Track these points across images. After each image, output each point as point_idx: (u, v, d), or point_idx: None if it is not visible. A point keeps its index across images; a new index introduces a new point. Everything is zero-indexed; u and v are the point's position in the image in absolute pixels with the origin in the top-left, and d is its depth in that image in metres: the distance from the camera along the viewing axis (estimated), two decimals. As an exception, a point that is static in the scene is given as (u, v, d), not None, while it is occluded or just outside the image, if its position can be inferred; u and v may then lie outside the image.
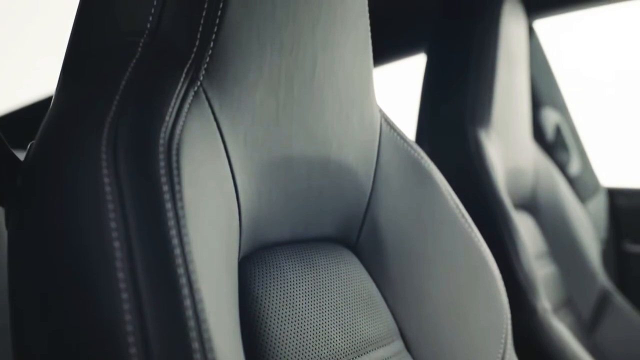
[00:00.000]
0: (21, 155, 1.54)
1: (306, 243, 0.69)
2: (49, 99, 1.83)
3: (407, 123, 1.54)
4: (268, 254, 0.63)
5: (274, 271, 0.62)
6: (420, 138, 1.41)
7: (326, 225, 0.71)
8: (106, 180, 0.44)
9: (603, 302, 1.63)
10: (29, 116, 1.89)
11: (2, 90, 2.02)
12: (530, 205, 1.59)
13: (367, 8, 0.73)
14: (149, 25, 0.54)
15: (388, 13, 1.72)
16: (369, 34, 0.74)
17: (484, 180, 1.27)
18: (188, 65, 0.54)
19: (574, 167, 1.88)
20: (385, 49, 1.85)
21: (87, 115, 0.48)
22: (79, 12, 0.57)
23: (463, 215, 0.82)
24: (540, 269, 1.46)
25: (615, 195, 1.93)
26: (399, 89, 2.10)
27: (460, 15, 1.48)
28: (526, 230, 1.48)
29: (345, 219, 0.73)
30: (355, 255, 0.75)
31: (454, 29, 1.48)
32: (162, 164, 0.46)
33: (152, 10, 0.55)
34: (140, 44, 0.54)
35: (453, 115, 1.37)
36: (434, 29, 1.53)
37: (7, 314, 0.49)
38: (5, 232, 0.54)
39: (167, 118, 0.48)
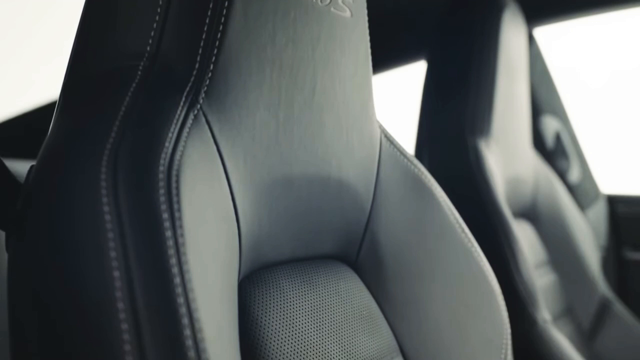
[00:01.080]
0: (21, 165, 1.54)
1: (306, 261, 0.69)
2: (49, 106, 1.84)
3: (408, 130, 1.54)
4: (268, 273, 0.63)
5: (273, 292, 0.62)
6: (420, 148, 1.41)
7: (326, 243, 0.71)
8: (106, 209, 0.44)
9: (603, 310, 1.63)
10: (29, 123, 1.89)
11: (3, 96, 2.02)
12: (530, 213, 1.59)
13: (367, 28, 0.73)
14: (148, 48, 0.55)
15: (389, 19, 1.73)
16: (369, 51, 0.74)
17: (484, 190, 1.27)
18: (188, 89, 0.54)
19: (574, 175, 1.88)
20: (386, 55, 1.85)
21: (87, 141, 0.48)
22: (79, 33, 0.57)
23: (463, 230, 0.82)
24: (540, 278, 1.46)
25: (615, 203, 1.93)
26: (399, 95, 2.10)
27: (461, 23, 1.48)
28: (526, 239, 1.48)
29: (345, 236, 0.73)
30: (355, 272, 0.75)
31: (455, 37, 1.49)
32: (161, 191, 0.46)
33: (152, 33, 0.55)
34: (140, 68, 0.54)
35: (453, 126, 1.37)
36: (434, 36, 1.53)
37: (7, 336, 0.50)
38: (5, 254, 0.54)
39: (166, 144, 0.48)
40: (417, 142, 1.44)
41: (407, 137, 1.51)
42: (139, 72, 0.53)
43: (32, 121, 1.87)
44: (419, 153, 1.41)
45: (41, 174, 0.50)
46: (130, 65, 0.54)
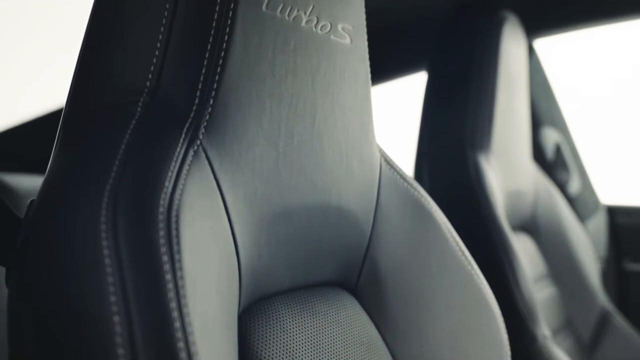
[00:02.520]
0: (20, 180, 1.53)
1: (306, 289, 0.69)
2: (50, 115, 1.84)
3: (408, 138, 1.54)
4: (268, 304, 0.63)
5: (273, 323, 0.62)
6: (420, 162, 1.41)
7: (326, 270, 0.71)
8: (106, 252, 0.44)
9: (603, 322, 1.63)
10: (30, 131, 1.89)
11: (2, 105, 2.02)
12: (530, 226, 1.59)
13: (367, 53, 0.73)
14: (148, 84, 0.55)
15: (390, 29, 1.73)
16: (369, 76, 0.74)
17: (484, 206, 1.27)
18: (188, 124, 0.54)
19: (574, 186, 1.88)
20: (387, 66, 1.86)
21: (87, 181, 0.48)
22: (78, 67, 0.57)
23: (463, 253, 0.82)
24: (540, 292, 1.46)
25: (615, 214, 1.93)
26: (400, 105, 2.10)
27: (461, 36, 1.48)
28: (526, 253, 1.48)
29: (345, 262, 0.73)
30: (355, 298, 0.75)
31: (455, 49, 1.49)
32: (161, 233, 0.46)
33: (152, 68, 0.55)
34: (140, 103, 0.54)
35: (453, 140, 1.37)
36: (434, 47, 1.53)
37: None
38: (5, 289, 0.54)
39: (166, 183, 0.48)
40: (417, 155, 1.44)
41: (407, 145, 1.51)
42: (139, 109, 0.53)
43: (24, 134, 1.87)
44: (418, 166, 1.41)
45: (41, 211, 0.50)
46: (130, 101, 0.54)
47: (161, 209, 0.47)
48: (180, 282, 0.45)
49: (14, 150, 1.81)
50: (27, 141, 1.83)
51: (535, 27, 1.72)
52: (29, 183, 1.42)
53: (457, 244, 0.82)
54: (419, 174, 1.41)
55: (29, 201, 0.54)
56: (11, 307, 0.50)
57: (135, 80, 0.55)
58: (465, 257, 0.82)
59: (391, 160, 0.80)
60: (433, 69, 1.51)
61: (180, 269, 0.45)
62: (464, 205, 1.29)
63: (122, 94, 0.54)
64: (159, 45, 0.55)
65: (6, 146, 1.83)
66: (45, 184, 0.52)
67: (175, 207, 0.47)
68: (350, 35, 0.70)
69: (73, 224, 0.47)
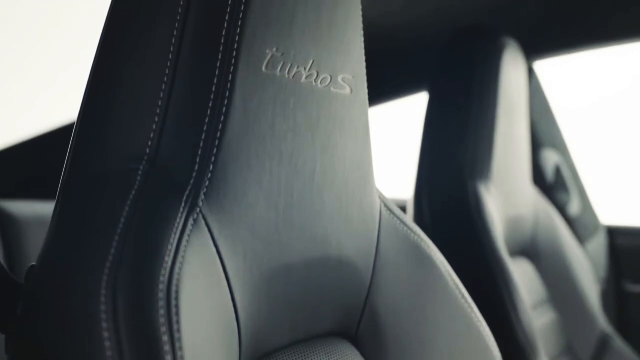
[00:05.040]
0: (21, 207, 1.52)
1: (306, 342, 0.69)
2: (51, 134, 1.84)
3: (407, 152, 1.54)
4: None
5: (274, 381, 0.62)
6: (420, 190, 1.41)
7: (326, 321, 0.71)
8: (106, 334, 0.44)
9: (603, 346, 1.62)
10: (30, 151, 1.89)
11: (3, 123, 2.02)
12: (530, 251, 1.59)
13: (367, 100, 0.73)
14: (148, 151, 0.55)
15: (392, 49, 1.73)
16: (369, 123, 0.74)
17: (484, 236, 1.28)
18: (187, 192, 0.54)
19: (574, 208, 1.88)
20: (388, 86, 1.86)
21: (87, 255, 0.48)
22: (77, 134, 0.57)
23: (463, 296, 0.82)
24: (539, 318, 1.46)
25: (615, 235, 1.93)
26: (401, 126, 2.10)
27: (461, 60, 1.48)
28: (526, 278, 1.48)
29: (345, 311, 0.73)
30: (355, 346, 0.75)
31: (455, 73, 1.49)
32: (161, 312, 0.46)
33: (152, 135, 0.55)
34: (140, 172, 0.54)
35: (453, 168, 1.37)
36: (436, 69, 1.53)
37: None
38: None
39: (166, 258, 0.48)
40: (417, 182, 1.44)
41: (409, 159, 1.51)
42: (139, 177, 0.53)
43: (30, 151, 1.87)
44: (418, 194, 1.41)
45: (42, 281, 0.50)
46: (130, 169, 0.54)
47: (161, 287, 0.47)
48: None
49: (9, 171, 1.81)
50: (23, 162, 1.83)
51: (535, 49, 1.72)
52: (29, 210, 1.43)
53: (457, 287, 0.82)
54: (419, 201, 1.41)
55: (28, 266, 0.54)
56: None
57: (135, 147, 0.55)
58: (465, 300, 0.82)
59: (391, 204, 0.80)
60: (434, 91, 1.50)
61: (181, 348, 0.45)
62: (463, 234, 1.29)
63: (122, 161, 0.54)
64: (158, 111, 0.55)
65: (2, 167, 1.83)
66: (46, 251, 0.52)
67: (175, 282, 0.47)
68: (350, 85, 0.70)
69: (73, 299, 0.47)
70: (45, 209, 1.46)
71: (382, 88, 1.85)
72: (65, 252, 0.50)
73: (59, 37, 2.02)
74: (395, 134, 2.25)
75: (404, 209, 1.45)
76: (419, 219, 1.39)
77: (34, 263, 0.54)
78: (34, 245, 1.38)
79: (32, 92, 2.03)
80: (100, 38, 0.59)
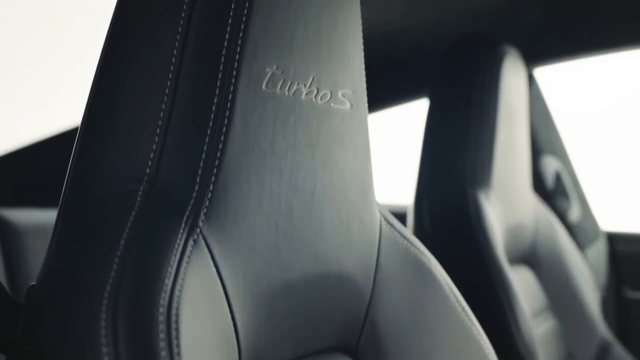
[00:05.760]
0: (21, 215, 1.52)
1: (305, 358, 0.69)
2: (50, 139, 1.83)
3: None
4: None
5: (273, 398, 0.62)
6: (420, 198, 1.41)
7: (326, 337, 0.71)
8: (106, 359, 0.44)
9: (603, 354, 1.62)
10: (29, 157, 1.89)
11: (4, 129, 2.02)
12: (530, 258, 1.59)
13: (367, 115, 0.73)
14: (148, 171, 0.54)
15: (392, 55, 1.73)
16: (369, 137, 0.74)
17: (484, 246, 1.28)
18: (187, 212, 0.54)
19: (574, 214, 1.88)
20: (389, 92, 1.86)
21: (87, 278, 0.48)
22: (77, 154, 0.56)
23: (463, 309, 0.82)
24: (539, 326, 1.46)
25: (615, 241, 1.93)
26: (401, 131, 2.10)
27: (462, 67, 1.48)
28: (526, 286, 1.48)
29: (345, 326, 0.73)
30: (355, 361, 0.75)
31: (456, 80, 1.49)
32: (161, 335, 0.46)
33: (152, 155, 0.55)
34: (140, 192, 0.54)
35: (453, 176, 1.37)
36: (436, 76, 1.53)
37: None
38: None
39: (166, 281, 0.48)
40: (417, 189, 1.44)
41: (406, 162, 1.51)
42: (139, 198, 0.53)
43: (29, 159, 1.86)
44: (418, 201, 1.41)
45: (41, 302, 0.50)
46: (130, 189, 0.54)
47: (161, 310, 0.47)
48: None
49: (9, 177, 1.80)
50: (22, 168, 1.82)
51: (535, 56, 1.72)
52: (28, 218, 1.43)
53: (457, 300, 0.82)
54: (419, 209, 1.41)
55: (28, 286, 0.54)
56: None
57: (135, 167, 0.55)
58: (465, 312, 0.82)
59: (391, 217, 0.80)
60: (435, 98, 1.51)
61: None
62: (463, 243, 1.30)
63: (122, 181, 0.54)
64: (158, 131, 0.55)
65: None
66: (46, 271, 0.52)
67: (175, 305, 0.47)
68: (350, 100, 0.70)
69: (73, 322, 0.47)
70: (44, 216, 1.46)
71: (382, 94, 1.86)
72: (64, 274, 0.50)
73: (60, 41, 2.02)
74: (396, 139, 2.25)
75: (404, 215, 1.45)
76: (418, 226, 1.39)
77: (33, 283, 0.54)
78: (34, 253, 1.39)
79: (32, 97, 2.03)
80: (100, 56, 0.59)
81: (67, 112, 1.81)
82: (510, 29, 1.67)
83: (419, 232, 1.39)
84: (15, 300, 0.54)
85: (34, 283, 0.54)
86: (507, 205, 1.44)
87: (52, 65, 2.04)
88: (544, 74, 1.84)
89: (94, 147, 0.56)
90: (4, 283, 1.40)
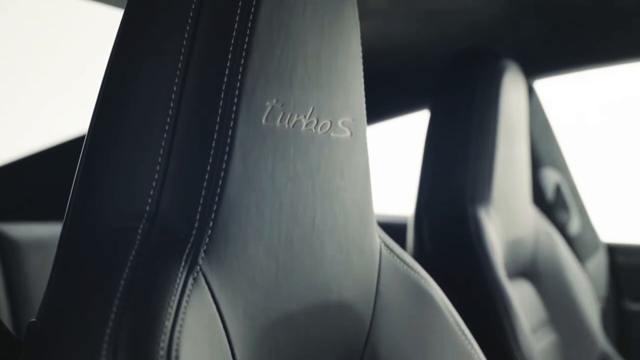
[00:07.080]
0: (21, 230, 1.51)
1: None
2: (51, 150, 1.83)
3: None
4: None
5: None
6: (420, 212, 1.41)
7: (326, 365, 0.71)
8: None
9: (603, 367, 1.62)
10: (29, 168, 1.89)
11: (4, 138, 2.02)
12: (530, 272, 1.58)
13: (367, 141, 0.73)
14: (148, 208, 0.54)
15: (393, 68, 1.73)
16: (369, 164, 0.74)
17: (484, 263, 1.28)
18: (187, 250, 0.54)
19: (574, 226, 1.88)
20: (390, 103, 1.86)
21: (87, 319, 0.48)
22: (77, 189, 0.56)
23: (463, 333, 0.82)
24: (539, 341, 1.46)
25: (615, 253, 1.92)
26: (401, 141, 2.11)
27: (462, 81, 1.48)
28: (525, 300, 1.48)
29: (345, 353, 0.73)
30: (355, 388, 0.75)
31: (456, 94, 1.49)
32: None
33: (152, 192, 0.55)
34: (140, 230, 0.54)
35: (454, 192, 1.37)
36: (437, 88, 1.53)
37: None
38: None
39: (166, 323, 0.48)
40: (417, 203, 1.44)
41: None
42: (139, 236, 0.53)
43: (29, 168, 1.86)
44: (418, 216, 1.41)
45: (40, 342, 0.50)
46: (130, 227, 0.54)
47: (161, 353, 0.47)
48: None
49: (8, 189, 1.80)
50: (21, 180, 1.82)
51: (535, 68, 1.72)
52: (29, 233, 1.42)
53: (457, 324, 0.82)
54: (419, 223, 1.41)
55: (28, 323, 0.54)
56: None
57: (135, 205, 0.55)
58: (465, 336, 0.82)
59: (391, 242, 0.80)
60: (435, 112, 1.51)
61: None
62: (463, 260, 1.30)
63: (122, 218, 0.54)
64: (158, 167, 0.55)
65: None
66: (45, 309, 0.52)
67: (174, 346, 0.47)
68: (350, 128, 0.70)
69: None
70: (45, 231, 1.46)
71: (383, 106, 1.86)
72: (65, 314, 0.50)
73: (63, 49, 2.03)
74: (397, 148, 2.26)
75: (404, 226, 1.45)
76: (418, 241, 1.39)
77: (33, 319, 0.54)
78: (34, 268, 1.38)
79: (34, 107, 2.03)
80: (100, 89, 0.59)
81: (69, 122, 1.81)
82: (510, 42, 1.67)
83: (418, 246, 1.39)
84: (15, 337, 0.55)
85: (34, 320, 0.54)
86: (507, 220, 1.44)
87: (52, 74, 2.04)
88: (544, 86, 1.84)
89: (93, 184, 0.56)
90: (4, 297, 1.41)
